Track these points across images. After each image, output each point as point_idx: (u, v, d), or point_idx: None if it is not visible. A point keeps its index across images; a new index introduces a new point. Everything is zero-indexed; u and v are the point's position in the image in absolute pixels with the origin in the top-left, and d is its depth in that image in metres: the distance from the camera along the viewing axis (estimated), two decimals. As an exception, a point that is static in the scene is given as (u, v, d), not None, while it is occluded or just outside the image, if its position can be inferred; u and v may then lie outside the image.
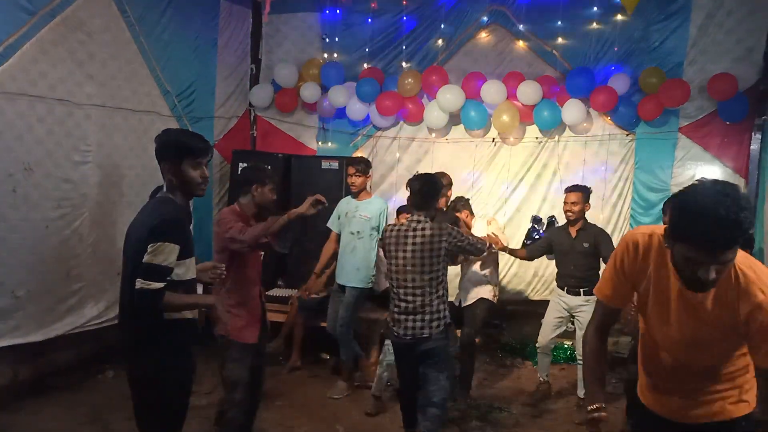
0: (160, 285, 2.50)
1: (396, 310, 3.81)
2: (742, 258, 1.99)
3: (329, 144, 7.17)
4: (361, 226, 5.23)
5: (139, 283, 2.48)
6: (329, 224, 5.50)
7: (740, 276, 2.00)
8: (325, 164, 6.02)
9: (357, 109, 6.79)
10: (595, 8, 6.31)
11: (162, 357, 2.66)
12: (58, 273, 5.06)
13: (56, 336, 5.03)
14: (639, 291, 2.23)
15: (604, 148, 6.44)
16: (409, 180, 4.05)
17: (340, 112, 6.99)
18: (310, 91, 6.89)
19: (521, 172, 6.62)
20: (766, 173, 5.70)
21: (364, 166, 5.34)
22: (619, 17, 6.26)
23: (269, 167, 4.21)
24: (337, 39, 7.09)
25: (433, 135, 6.87)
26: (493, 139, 6.69)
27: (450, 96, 6.38)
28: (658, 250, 2.13)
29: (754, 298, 1.97)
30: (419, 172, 4.55)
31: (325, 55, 7.13)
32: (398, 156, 6.91)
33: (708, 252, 1.83)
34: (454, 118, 6.65)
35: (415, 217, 3.85)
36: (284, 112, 7.27)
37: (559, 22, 6.39)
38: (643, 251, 2.16)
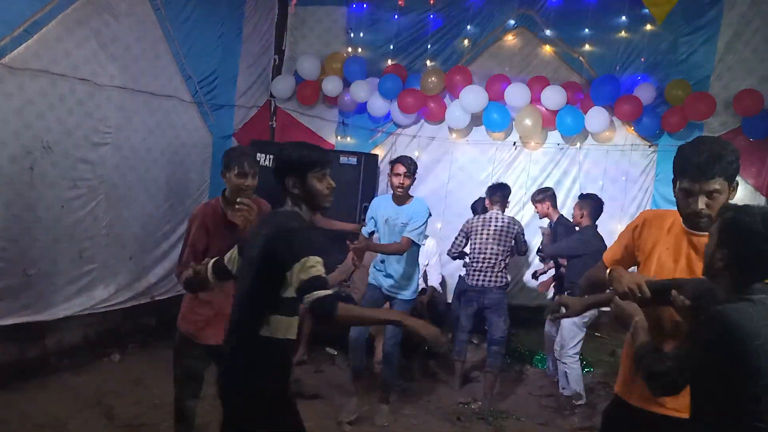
0: (329, 291, 2.33)
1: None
2: None
3: (348, 139, 7.13)
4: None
5: (311, 297, 2.30)
6: (367, 229, 4.90)
7: None
8: (343, 159, 5.97)
9: (378, 106, 6.74)
10: (623, 17, 6.25)
11: (273, 377, 2.50)
12: (71, 253, 5.04)
13: (64, 316, 5.01)
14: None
15: (625, 158, 6.37)
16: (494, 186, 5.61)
17: (361, 108, 6.94)
18: (332, 85, 6.85)
19: (540, 178, 6.55)
20: (789, 193, 5.62)
21: (414, 166, 4.73)
22: (648, 27, 6.19)
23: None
24: (362, 34, 7.05)
25: (454, 135, 6.81)
26: (514, 142, 6.63)
27: (473, 97, 6.32)
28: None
29: None
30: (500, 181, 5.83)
31: (349, 50, 7.09)
32: (417, 155, 6.85)
33: (695, 180, 2.22)
34: (476, 120, 6.59)
35: (496, 210, 5.40)
36: (305, 105, 7.22)
37: (587, 29, 6.34)
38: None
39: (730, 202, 2.24)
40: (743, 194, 6.04)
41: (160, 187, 5.87)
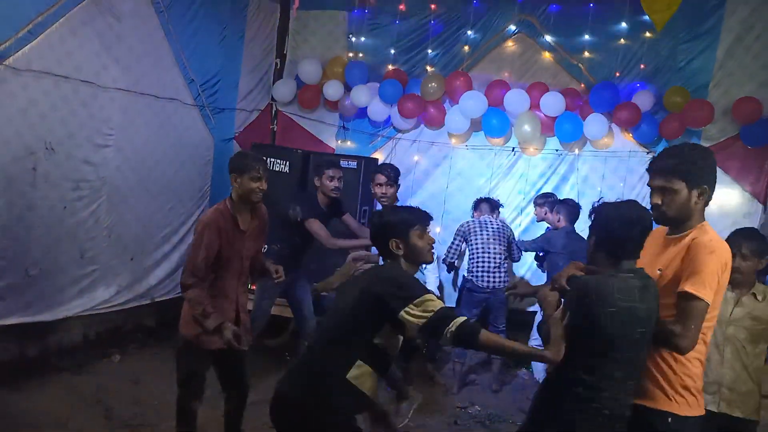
0: (461, 318, 2.40)
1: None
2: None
3: (348, 143, 7.18)
4: None
5: (456, 322, 2.37)
6: None
7: None
8: (343, 162, 6.00)
9: (379, 110, 6.78)
10: (623, 23, 6.28)
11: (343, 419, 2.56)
12: (73, 254, 5.07)
13: (65, 317, 5.05)
14: None
15: (623, 164, 6.40)
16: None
17: (362, 112, 6.99)
18: (333, 89, 6.89)
19: (539, 183, 6.59)
20: (786, 200, 5.65)
21: (394, 173, 4.85)
22: (647, 34, 6.22)
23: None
24: (363, 39, 7.10)
25: (453, 140, 6.85)
26: (513, 148, 6.67)
27: (473, 102, 6.36)
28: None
29: None
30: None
31: (351, 54, 7.13)
32: (417, 159, 6.90)
33: (649, 176, 2.53)
34: (475, 125, 6.63)
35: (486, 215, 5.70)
36: (306, 109, 7.27)
37: (587, 36, 6.37)
38: None
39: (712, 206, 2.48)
40: (740, 201, 6.10)
41: (161, 189, 5.91)
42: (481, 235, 5.53)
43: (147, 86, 5.60)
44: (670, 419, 2.38)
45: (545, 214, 5.77)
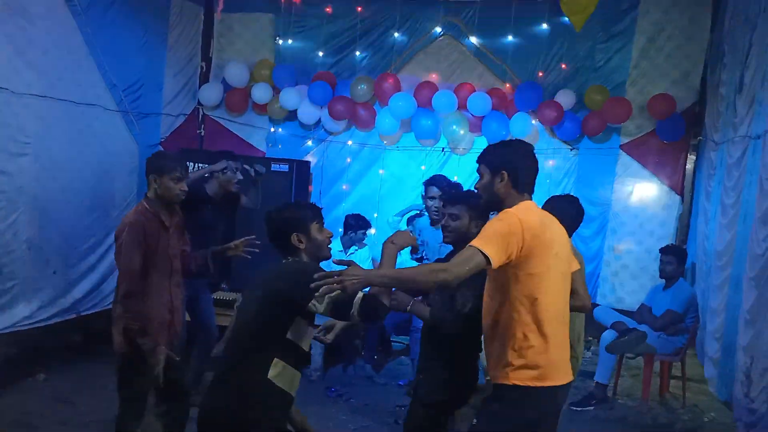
0: (360, 293, 2.40)
1: None
2: None
3: (279, 147, 7.11)
4: None
5: (357, 301, 2.39)
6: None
7: None
8: (275, 166, 5.96)
9: (309, 113, 6.76)
10: (544, 25, 6.49)
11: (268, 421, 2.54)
12: (-11, 270, 4.82)
13: (-17, 336, 4.79)
14: None
15: (548, 161, 6.61)
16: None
17: (291, 115, 6.94)
18: (261, 92, 6.82)
19: (468, 182, 6.69)
20: (701, 191, 5.96)
21: (448, 186, 4.38)
22: (567, 36, 6.44)
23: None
24: (290, 41, 7.06)
25: (385, 142, 6.90)
26: (443, 148, 6.77)
27: (402, 103, 6.43)
28: None
29: None
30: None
31: (278, 57, 7.07)
32: (349, 161, 6.90)
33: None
34: (405, 126, 6.70)
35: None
36: (234, 113, 7.17)
37: (510, 37, 6.55)
38: None
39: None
40: (659, 194, 6.40)
41: (84, 198, 5.68)
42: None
43: (64, 91, 5.37)
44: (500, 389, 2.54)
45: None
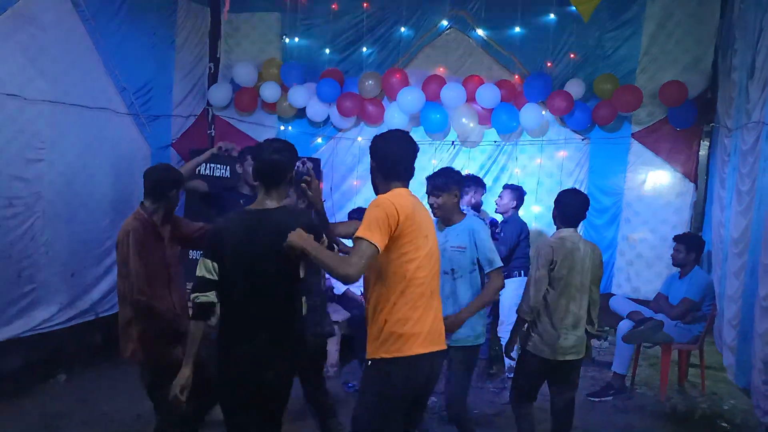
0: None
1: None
2: None
3: (289, 145, 7.11)
4: (457, 261, 3.63)
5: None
6: None
7: None
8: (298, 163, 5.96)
9: (317, 110, 6.77)
10: (551, 15, 6.45)
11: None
12: (9, 274, 4.87)
13: (5, 340, 4.84)
14: None
15: (560, 152, 6.58)
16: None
17: (300, 113, 6.96)
18: (269, 91, 6.84)
19: (479, 175, 6.68)
20: (715, 178, 5.91)
21: (443, 180, 3.66)
22: (575, 25, 6.39)
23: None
24: (297, 39, 7.07)
25: (394, 137, 6.88)
26: (453, 141, 6.76)
27: (410, 98, 6.42)
28: None
29: None
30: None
31: (285, 55, 7.09)
32: (358, 158, 6.91)
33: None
34: (414, 120, 6.69)
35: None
36: (243, 112, 7.20)
37: (517, 28, 6.52)
38: None
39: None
40: (672, 181, 6.35)
41: (99, 201, 5.74)
42: None
43: (76, 97, 5.43)
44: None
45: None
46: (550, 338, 3.61)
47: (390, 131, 2.92)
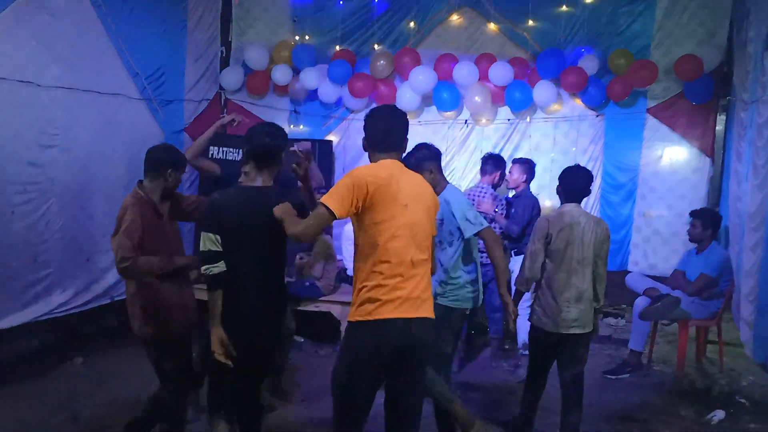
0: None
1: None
2: None
3: (301, 127, 7.13)
4: (438, 233, 3.51)
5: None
6: None
7: None
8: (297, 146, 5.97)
9: (329, 92, 6.76)
10: (564, -9, 6.36)
11: None
12: (25, 259, 4.94)
13: (21, 324, 4.92)
14: None
15: (574, 128, 6.52)
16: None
17: (312, 95, 6.95)
18: (281, 74, 6.83)
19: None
20: (731, 152, 5.81)
21: (415, 160, 3.63)
22: (588, 0, 6.31)
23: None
24: (308, 21, 7.04)
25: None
26: (465, 120, 6.72)
27: (422, 77, 6.38)
28: None
29: None
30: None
31: (297, 38, 7.07)
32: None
33: None
34: (427, 100, 6.66)
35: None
36: (255, 95, 7.20)
37: (530, 5, 6.42)
38: None
39: None
40: (688, 157, 6.26)
41: (113, 185, 5.77)
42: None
43: (90, 83, 5.46)
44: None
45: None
46: (551, 311, 3.72)
47: (378, 106, 3.04)
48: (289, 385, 4.67)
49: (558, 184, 3.93)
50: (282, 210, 2.81)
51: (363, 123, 2.93)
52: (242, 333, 2.98)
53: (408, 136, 2.95)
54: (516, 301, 3.86)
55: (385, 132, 2.86)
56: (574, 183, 3.85)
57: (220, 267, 2.90)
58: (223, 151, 6.12)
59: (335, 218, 2.65)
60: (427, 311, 2.80)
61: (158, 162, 3.39)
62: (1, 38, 4.61)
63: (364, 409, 2.79)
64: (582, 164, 6.34)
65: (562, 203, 3.88)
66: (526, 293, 4.06)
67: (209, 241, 2.90)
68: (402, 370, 2.78)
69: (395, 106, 3.06)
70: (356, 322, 2.73)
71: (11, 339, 4.95)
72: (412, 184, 2.83)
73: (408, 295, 2.71)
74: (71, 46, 5.25)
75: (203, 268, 2.92)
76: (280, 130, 3.11)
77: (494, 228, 5.39)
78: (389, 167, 2.79)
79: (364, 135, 2.92)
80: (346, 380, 2.77)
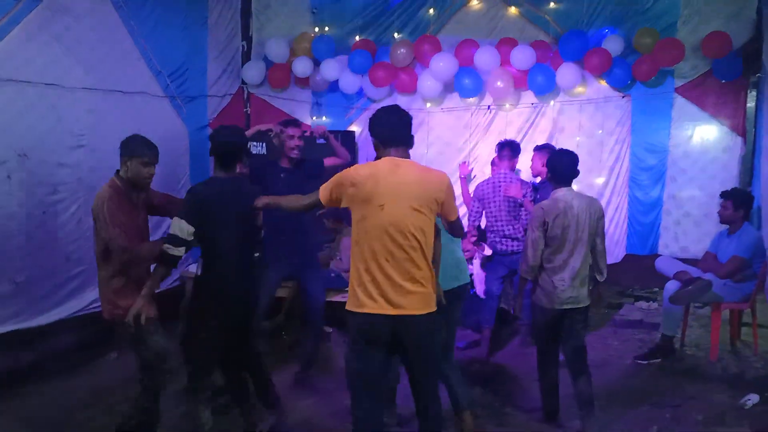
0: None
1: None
2: None
3: (323, 118, 7.14)
4: None
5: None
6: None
7: None
8: (319, 139, 5.98)
9: (350, 82, 6.74)
10: (586, -30, 6.23)
11: None
12: (58, 258, 5.06)
13: (57, 320, 5.05)
14: None
15: (600, 111, 6.42)
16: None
17: (333, 86, 6.94)
18: (302, 66, 6.84)
19: (518, 139, 6.55)
20: (762, 130, 5.66)
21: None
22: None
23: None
24: (327, 12, 7.02)
25: (428, 105, 6.83)
26: (489, 106, 6.65)
27: (443, 64, 6.33)
28: None
29: None
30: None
31: (316, 29, 7.07)
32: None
33: None
34: (449, 87, 6.60)
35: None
36: (277, 89, 7.22)
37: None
38: None
39: None
40: (719, 135, 6.12)
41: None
42: (494, 198, 5.47)
43: (113, 83, 5.54)
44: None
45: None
46: (547, 288, 3.91)
47: (381, 107, 3.16)
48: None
49: (547, 170, 4.11)
50: (276, 199, 3.42)
51: (369, 123, 3.08)
52: (225, 311, 3.43)
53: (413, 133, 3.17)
54: (521, 288, 4.11)
55: (385, 131, 3.02)
56: (563, 167, 3.96)
57: (179, 252, 3.22)
58: (250, 146, 6.15)
59: (322, 204, 3.06)
60: (414, 307, 2.88)
61: (120, 151, 3.53)
62: (25, 43, 4.69)
63: (373, 388, 3.01)
64: (609, 147, 6.37)
65: (553, 189, 3.98)
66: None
67: (179, 228, 3.21)
68: (400, 353, 3.00)
69: (397, 105, 3.20)
70: (349, 312, 2.97)
71: (48, 335, 5.07)
72: (403, 181, 2.90)
73: (384, 294, 2.87)
74: (94, 48, 5.32)
75: (165, 245, 3.23)
76: (237, 130, 3.61)
77: (523, 214, 5.37)
78: (377, 166, 2.97)
79: (371, 136, 3.09)
80: (355, 363, 3.03)
